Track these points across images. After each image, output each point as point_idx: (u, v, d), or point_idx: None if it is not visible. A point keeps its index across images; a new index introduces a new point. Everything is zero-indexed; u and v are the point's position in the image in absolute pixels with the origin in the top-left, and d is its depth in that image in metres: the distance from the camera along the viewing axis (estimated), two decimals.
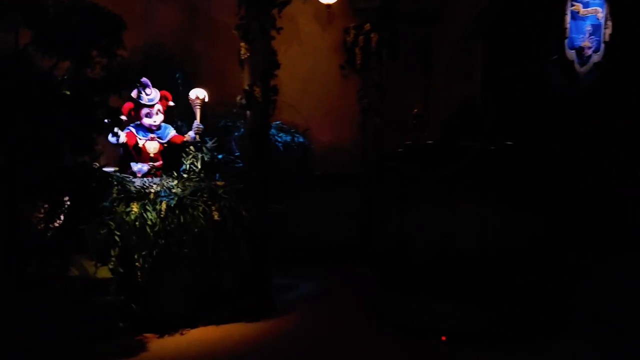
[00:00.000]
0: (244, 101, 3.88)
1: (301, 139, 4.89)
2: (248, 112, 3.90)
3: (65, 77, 2.48)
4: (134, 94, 4.05)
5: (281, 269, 4.60)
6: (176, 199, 3.51)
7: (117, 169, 4.09)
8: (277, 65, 4.01)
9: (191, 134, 4.19)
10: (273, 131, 4.75)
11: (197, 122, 4.23)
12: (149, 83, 4.10)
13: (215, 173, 3.95)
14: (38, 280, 3.08)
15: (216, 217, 3.56)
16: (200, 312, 3.70)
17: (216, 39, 5.50)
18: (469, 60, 5.96)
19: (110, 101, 2.93)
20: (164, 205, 3.47)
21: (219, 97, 5.13)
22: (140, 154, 4.07)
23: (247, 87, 3.89)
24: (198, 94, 4.25)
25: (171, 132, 4.25)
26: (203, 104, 4.22)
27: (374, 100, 5.85)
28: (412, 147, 3.84)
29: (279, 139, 4.66)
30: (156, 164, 4.11)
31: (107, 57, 2.48)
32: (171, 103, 4.27)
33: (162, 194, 3.56)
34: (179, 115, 4.64)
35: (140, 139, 4.12)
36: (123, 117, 4.06)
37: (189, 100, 4.42)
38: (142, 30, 5.22)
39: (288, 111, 5.95)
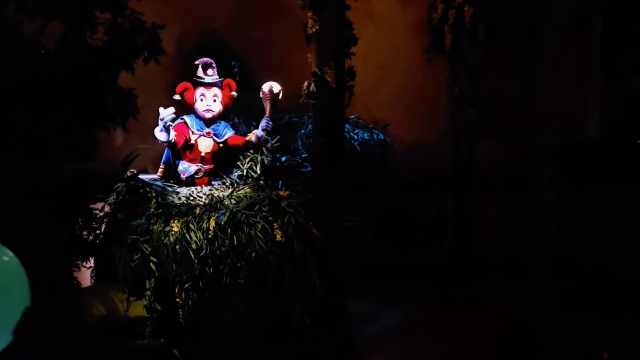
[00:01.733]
0: (312, 88, 3.04)
1: (381, 136, 4.00)
2: (317, 102, 3.06)
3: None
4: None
5: (357, 290, 3.78)
6: (228, 214, 2.72)
7: (160, 175, 3.38)
8: (354, 41, 3.14)
9: (259, 132, 3.41)
10: (348, 127, 3.88)
11: (267, 118, 3.47)
12: (213, 63, 3.40)
13: (278, 180, 3.15)
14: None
15: (279, 237, 2.74)
16: (261, 356, 2.92)
17: (278, 24, 4.71)
18: (583, 43, 4.85)
19: None
20: (212, 223, 2.69)
21: (282, 89, 4.38)
22: (189, 152, 3.35)
23: (315, 70, 3.06)
24: (273, 87, 3.50)
25: (229, 132, 3.50)
26: (276, 99, 3.47)
27: (467, 88, 4.85)
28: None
29: (355, 137, 3.79)
30: (206, 166, 3.37)
31: (111, 12, 1.74)
32: (234, 93, 3.52)
33: (211, 208, 2.79)
34: (234, 111, 3.90)
35: (193, 133, 3.41)
36: (177, 97, 3.37)
37: (259, 93, 3.66)
38: (195, 14, 4.55)
39: (362, 103, 5.09)
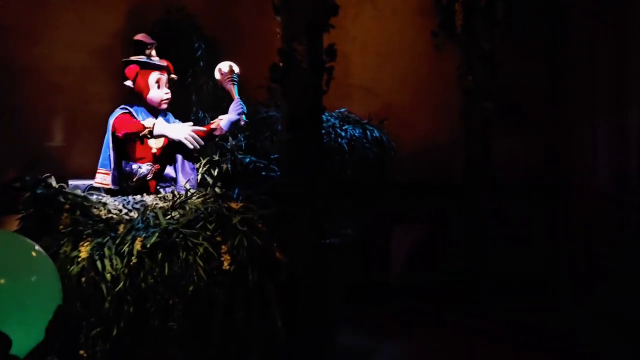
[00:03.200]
0: (278, 68, 2.36)
1: (376, 133, 3.31)
2: (285, 88, 2.37)
3: None
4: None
5: (349, 317, 3.12)
6: (158, 233, 2.05)
7: (101, 182, 2.72)
8: (334, 10, 2.45)
9: (232, 117, 2.76)
10: (333, 121, 3.20)
11: (237, 100, 2.79)
12: (153, 41, 2.74)
13: (238, 187, 2.48)
14: None
15: (226, 263, 2.07)
16: None
17: (262, 9, 4.07)
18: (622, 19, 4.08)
19: None
20: (137, 246, 2.03)
21: (262, 80, 3.71)
22: (136, 150, 2.68)
23: (284, 47, 2.37)
24: (225, 67, 2.82)
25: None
26: (233, 79, 2.79)
27: (482, 78, 4.12)
28: None
29: (343, 134, 3.10)
30: (156, 166, 2.72)
31: None
32: (174, 76, 2.85)
33: (139, 226, 2.12)
34: (198, 103, 3.24)
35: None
36: (128, 84, 2.73)
37: (216, 79, 3.04)
38: None
39: (359, 96, 4.42)
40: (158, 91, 2.75)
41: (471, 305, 4.03)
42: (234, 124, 2.74)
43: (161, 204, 2.39)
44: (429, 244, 4.44)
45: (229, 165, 2.53)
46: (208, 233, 2.11)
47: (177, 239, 2.06)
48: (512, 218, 4.37)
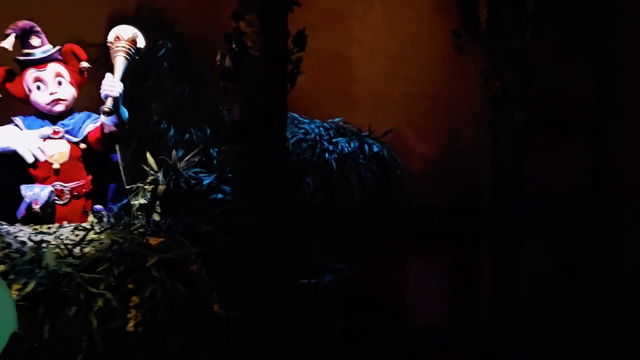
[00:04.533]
0: (227, 62, 1.79)
1: (376, 148, 2.69)
2: (233, 84, 1.79)
3: None
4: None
5: None
6: (36, 281, 1.49)
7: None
8: None
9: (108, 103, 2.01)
10: (319, 131, 2.60)
11: (109, 77, 2.03)
12: (35, 26, 2.18)
13: (186, 213, 1.91)
14: None
15: (131, 324, 1.49)
16: None
17: None
18: None
19: None
20: (13, 295, 1.48)
21: None
22: (35, 169, 2.14)
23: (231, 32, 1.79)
24: (121, 32, 2.08)
25: (91, 124, 2.16)
26: (131, 50, 2.10)
27: (512, 82, 3.45)
28: None
29: (331, 147, 2.50)
30: (71, 185, 2.17)
31: None
32: (85, 64, 2.27)
33: (24, 267, 1.57)
34: (162, 112, 2.70)
35: None
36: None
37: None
38: None
39: (365, 107, 3.81)
40: (39, 93, 2.14)
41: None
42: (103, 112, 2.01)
43: (82, 234, 1.84)
44: (450, 280, 3.76)
45: (172, 185, 1.95)
46: (113, 279, 1.54)
47: (65, 288, 1.49)
48: (551, 251, 3.65)
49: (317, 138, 2.51)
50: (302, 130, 2.61)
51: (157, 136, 2.59)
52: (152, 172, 2.11)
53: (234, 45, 1.76)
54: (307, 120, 2.80)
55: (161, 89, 2.70)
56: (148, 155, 2.16)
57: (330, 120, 2.84)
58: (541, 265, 3.55)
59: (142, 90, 2.66)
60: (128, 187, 2.11)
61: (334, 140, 2.59)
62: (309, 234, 2.45)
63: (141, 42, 2.08)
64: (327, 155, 2.48)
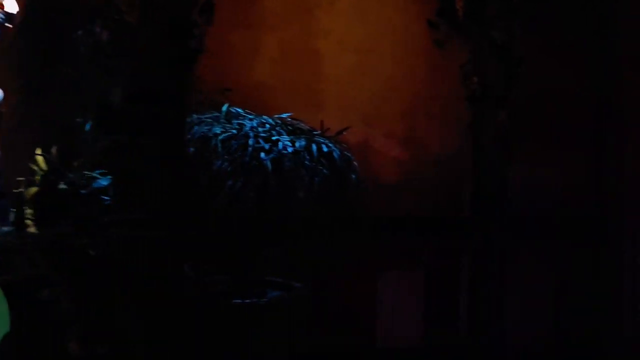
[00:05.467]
0: (104, 34, 1.44)
1: (326, 148, 2.31)
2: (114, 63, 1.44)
3: None
4: None
5: None
6: None
7: None
8: None
9: None
10: (251, 124, 2.24)
11: None
12: None
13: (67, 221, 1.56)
14: None
15: None
16: None
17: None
18: None
19: None
20: None
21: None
22: None
23: None
24: None
25: None
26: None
27: (494, 79, 3.08)
28: None
29: (267, 146, 2.13)
30: None
31: None
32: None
33: None
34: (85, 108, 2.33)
35: None
36: None
37: None
38: None
39: (333, 105, 3.44)
40: None
41: None
42: None
43: None
44: (425, 298, 3.36)
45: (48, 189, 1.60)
46: None
47: None
48: (539, 266, 3.24)
49: (250, 134, 2.14)
50: (238, 127, 2.25)
51: (74, 131, 2.23)
52: (40, 172, 1.77)
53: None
54: (252, 116, 2.45)
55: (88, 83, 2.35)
56: (38, 152, 1.81)
57: (277, 116, 2.47)
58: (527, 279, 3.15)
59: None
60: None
61: (274, 138, 2.22)
62: (244, 248, 2.09)
63: (11, 7, 1.74)
64: (262, 155, 2.12)
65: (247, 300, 2.18)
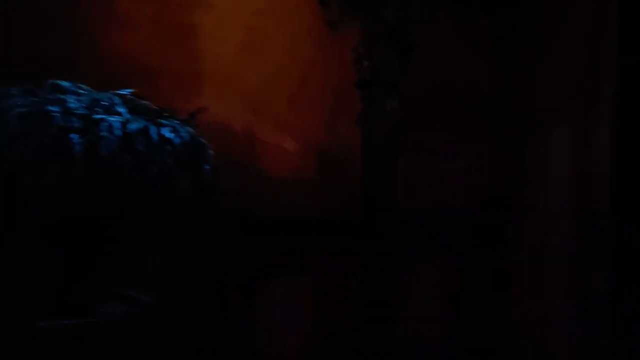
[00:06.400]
0: None
1: (168, 133, 1.93)
2: None
3: None
4: None
5: None
6: None
7: None
8: None
9: None
10: (75, 102, 1.83)
11: None
12: None
13: None
14: None
15: None
16: None
17: None
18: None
19: None
20: None
21: None
22: None
23: None
24: None
25: None
26: None
27: (385, 63, 2.79)
28: None
29: (79, 126, 1.72)
30: None
31: None
32: None
33: None
34: None
35: None
36: None
37: None
38: None
39: (213, 90, 3.03)
40: None
41: None
42: None
43: None
44: (312, 309, 3.03)
45: None
46: None
47: None
48: (435, 270, 2.97)
49: (58, 110, 1.73)
50: (57, 103, 1.83)
51: None
52: None
53: None
54: (85, 91, 2.03)
55: None
56: None
57: (113, 92, 2.06)
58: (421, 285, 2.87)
59: None
60: None
61: (96, 117, 1.81)
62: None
63: None
64: (74, 137, 1.70)
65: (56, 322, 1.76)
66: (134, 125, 1.91)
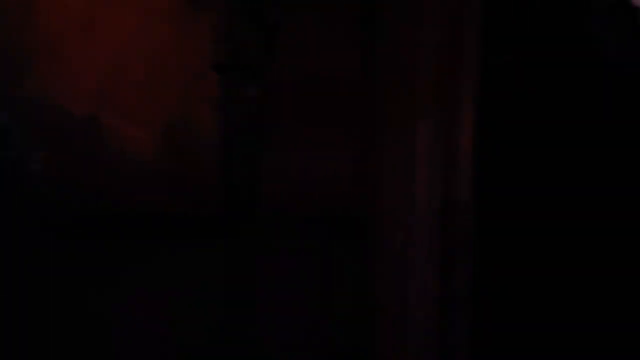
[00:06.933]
0: None
1: None
2: None
3: None
4: None
5: None
6: None
7: None
8: None
9: None
10: None
11: None
12: None
13: None
14: None
15: None
16: None
17: None
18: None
19: None
20: None
21: None
22: None
23: None
24: None
25: None
26: None
27: (246, 47, 2.56)
28: None
29: None
30: None
31: None
32: None
33: None
34: None
35: None
36: None
37: None
38: None
39: (45, 70, 2.63)
40: None
41: None
42: None
43: None
44: (169, 313, 2.77)
45: None
46: None
47: None
48: (298, 269, 2.81)
49: None
50: None
51: None
52: None
53: None
54: None
55: None
56: None
57: None
58: (283, 283, 2.70)
59: None
60: None
61: None
62: None
63: None
64: None
65: None
66: None
